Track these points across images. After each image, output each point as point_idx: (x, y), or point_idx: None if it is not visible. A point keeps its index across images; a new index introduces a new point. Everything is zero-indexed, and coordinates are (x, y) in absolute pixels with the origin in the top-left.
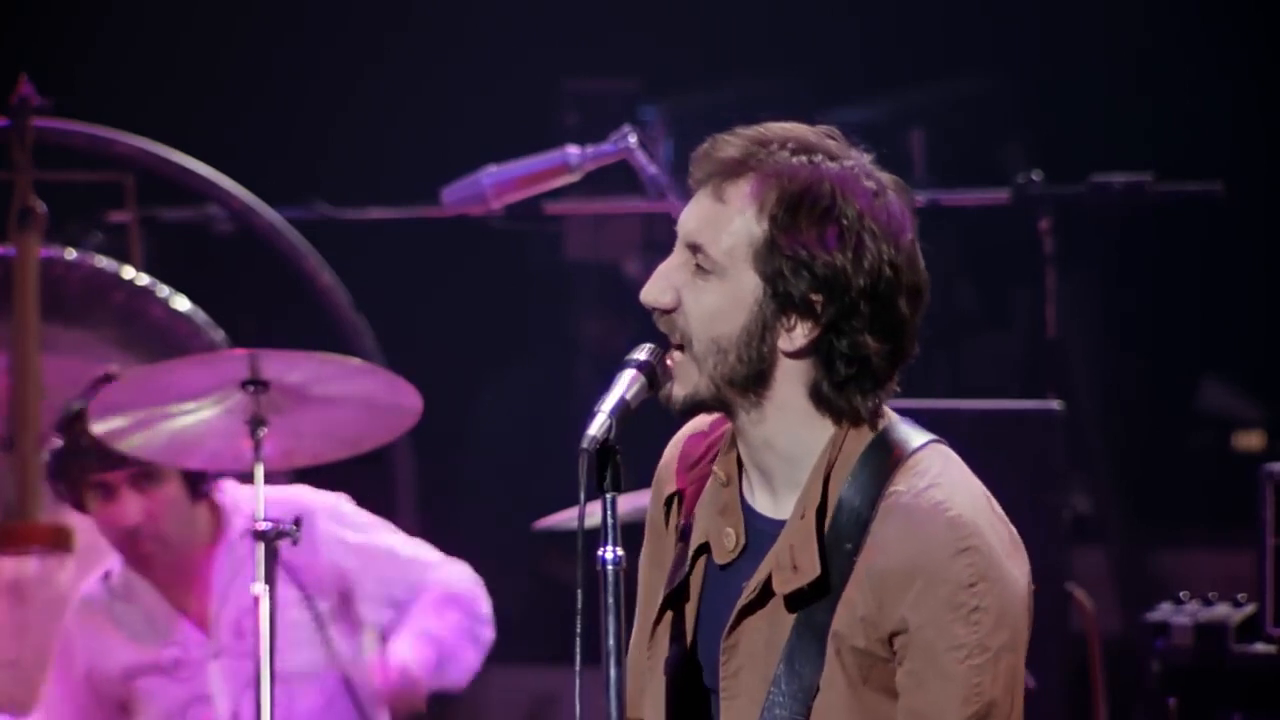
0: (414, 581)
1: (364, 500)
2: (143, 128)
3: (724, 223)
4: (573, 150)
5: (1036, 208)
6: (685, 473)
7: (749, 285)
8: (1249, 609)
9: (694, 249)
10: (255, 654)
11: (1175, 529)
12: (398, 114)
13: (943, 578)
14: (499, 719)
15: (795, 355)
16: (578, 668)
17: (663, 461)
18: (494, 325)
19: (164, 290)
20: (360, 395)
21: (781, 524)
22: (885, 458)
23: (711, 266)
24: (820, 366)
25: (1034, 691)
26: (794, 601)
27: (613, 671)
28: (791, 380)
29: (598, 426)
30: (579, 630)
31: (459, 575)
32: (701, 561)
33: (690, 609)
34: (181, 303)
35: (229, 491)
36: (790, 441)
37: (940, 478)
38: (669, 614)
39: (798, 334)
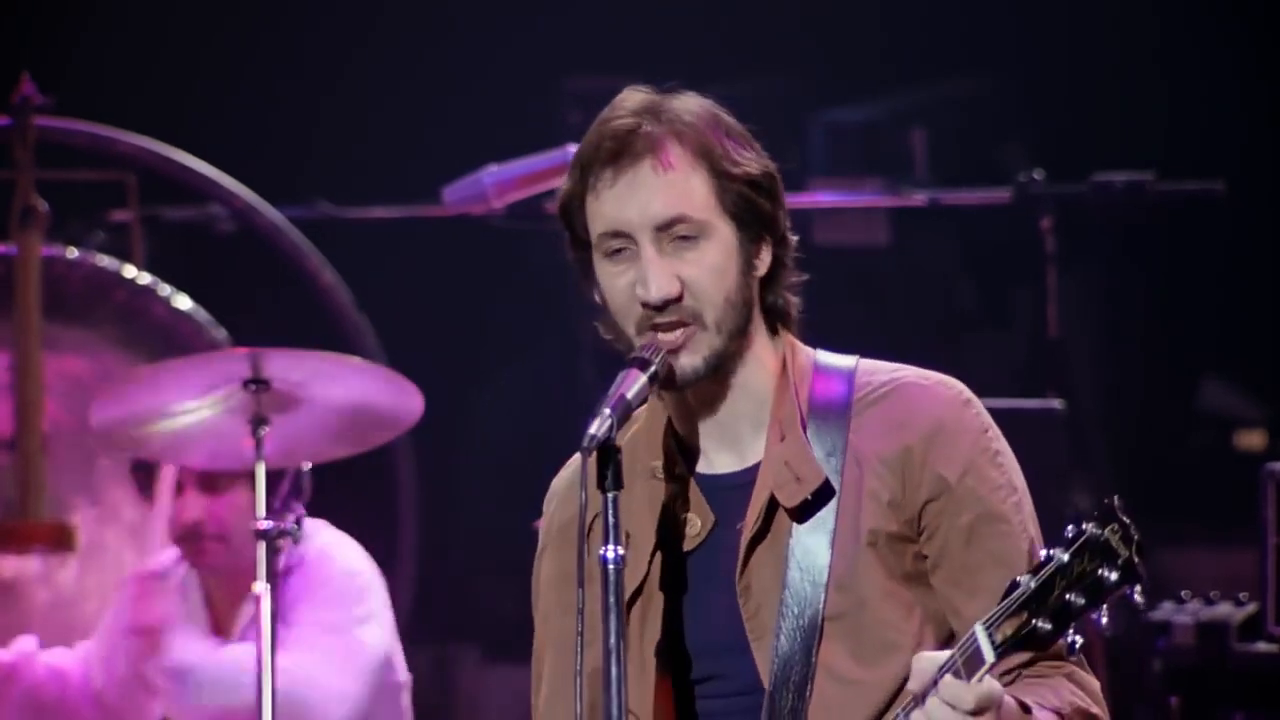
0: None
1: (364, 500)
2: (145, 127)
3: (683, 186)
4: (574, 149)
5: (1038, 207)
6: (596, 496)
7: (726, 231)
8: (1250, 608)
9: (671, 224)
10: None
11: (1177, 528)
12: (399, 113)
13: (962, 430)
14: (498, 718)
15: (762, 280)
16: (578, 666)
17: (561, 511)
18: (495, 324)
19: (166, 289)
20: (361, 394)
21: (750, 470)
22: (835, 362)
23: (697, 230)
24: (769, 280)
25: None
26: (802, 512)
27: (614, 670)
28: (756, 307)
29: (599, 425)
30: (580, 629)
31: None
32: (657, 562)
33: (654, 608)
34: (183, 302)
35: (311, 529)
36: (760, 376)
37: (895, 367)
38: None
39: (764, 256)
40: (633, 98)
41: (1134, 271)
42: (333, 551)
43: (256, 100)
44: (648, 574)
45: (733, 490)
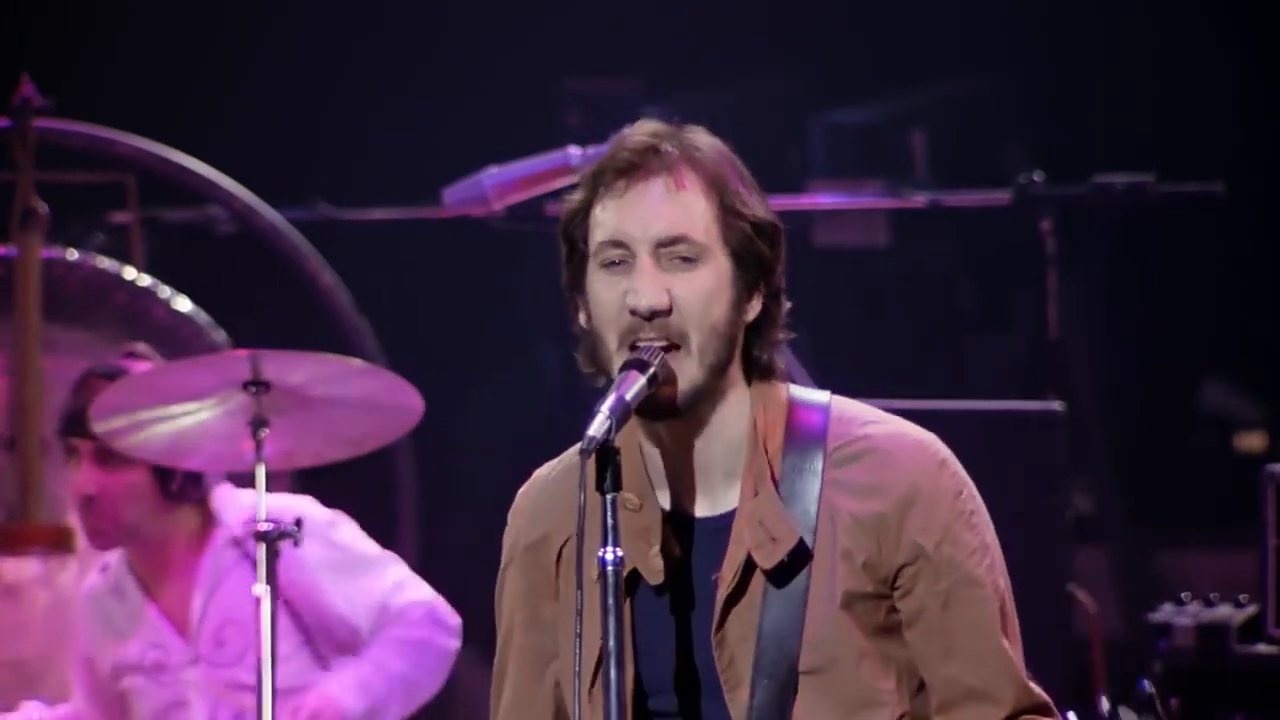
0: (377, 614)
1: (365, 500)
2: (144, 128)
3: (692, 208)
4: (574, 150)
5: (1038, 208)
6: (568, 520)
7: (724, 264)
8: (1250, 610)
9: (673, 242)
10: (236, 664)
11: (1177, 530)
12: (399, 115)
13: (938, 496)
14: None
15: (749, 327)
16: (577, 668)
17: (531, 531)
18: (495, 326)
19: (165, 291)
20: (361, 396)
21: (723, 518)
22: (807, 409)
23: (697, 253)
24: (755, 330)
25: None
26: (778, 574)
27: (613, 673)
28: (736, 352)
29: (598, 427)
30: (579, 631)
31: (420, 617)
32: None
33: (625, 640)
34: (183, 303)
35: (222, 497)
36: (734, 422)
37: (869, 414)
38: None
39: (755, 303)
40: (652, 124)
41: (1134, 273)
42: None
43: (256, 101)
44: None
45: (705, 536)
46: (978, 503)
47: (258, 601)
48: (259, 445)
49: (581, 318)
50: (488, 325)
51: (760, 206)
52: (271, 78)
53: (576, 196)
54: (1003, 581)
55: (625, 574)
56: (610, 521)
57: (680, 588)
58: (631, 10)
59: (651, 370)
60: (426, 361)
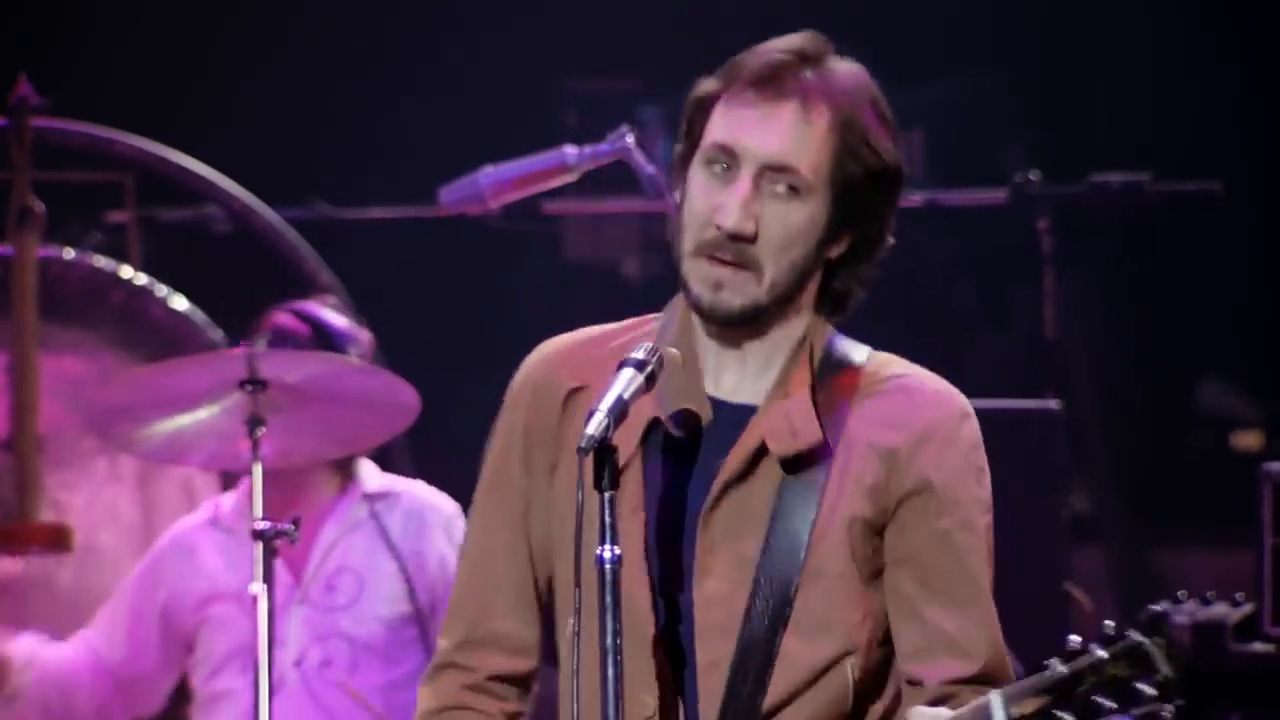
0: None
1: None
2: (141, 127)
3: (809, 143)
4: (571, 150)
5: (1035, 208)
6: (586, 373)
7: (824, 202)
8: (1247, 608)
9: (780, 170)
10: (340, 610)
11: (1174, 529)
12: (396, 114)
13: (956, 439)
14: None
15: (832, 260)
16: (575, 667)
17: (541, 370)
18: (492, 325)
19: (163, 290)
20: (358, 394)
21: (743, 407)
22: (850, 348)
23: (800, 187)
24: (841, 265)
25: None
26: (789, 465)
27: (610, 670)
28: (815, 281)
29: (595, 426)
30: (577, 629)
31: None
32: (640, 445)
33: (635, 484)
34: (180, 302)
35: (367, 466)
36: (784, 330)
37: (907, 365)
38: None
39: (844, 240)
40: (805, 40)
41: (1131, 272)
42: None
43: (254, 101)
44: (633, 452)
45: (723, 417)
46: (987, 465)
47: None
48: (255, 444)
49: (677, 195)
50: (485, 324)
51: (886, 153)
52: (270, 77)
53: (708, 84)
54: (991, 546)
55: (648, 421)
56: (609, 520)
57: (693, 449)
58: (630, 10)
59: (650, 369)
60: (423, 360)
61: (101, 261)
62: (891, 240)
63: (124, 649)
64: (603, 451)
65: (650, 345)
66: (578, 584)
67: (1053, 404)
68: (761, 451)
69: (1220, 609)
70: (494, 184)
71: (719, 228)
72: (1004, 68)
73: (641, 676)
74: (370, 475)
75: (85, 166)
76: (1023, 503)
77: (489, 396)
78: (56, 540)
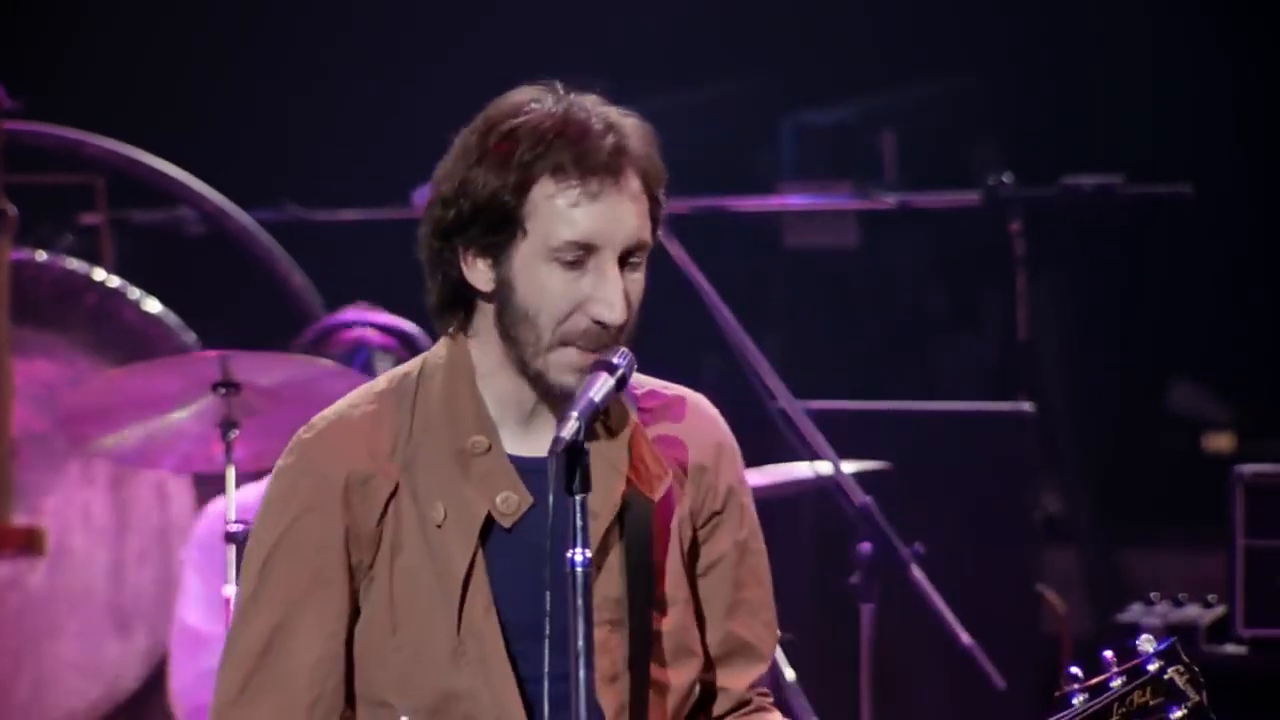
0: None
1: None
2: (114, 130)
3: (644, 213)
4: None
5: (1007, 209)
6: (390, 467)
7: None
8: (1219, 610)
9: (635, 249)
10: None
11: (1146, 530)
12: (369, 116)
13: (734, 450)
14: None
15: None
16: (545, 669)
17: (341, 469)
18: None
19: (135, 292)
20: (332, 397)
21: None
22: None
23: (644, 256)
24: None
25: (1003, 692)
26: (645, 510)
27: (581, 673)
28: None
29: (568, 429)
30: (548, 633)
31: None
32: (475, 536)
33: (482, 584)
34: (153, 305)
35: None
36: None
37: (657, 380)
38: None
39: None
40: (585, 104)
41: (1103, 274)
42: None
43: (225, 103)
44: (475, 551)
45: (537, 476)
46: None
47: (227, 603)
48: (229, 447)
49: (477, 277)
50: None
51: (664, 183)
52: (241, 80)
53: (513, 169)
54: None
55: (483, 518)
56: (580, 523)
57: (530, 526)
58: (601, 12)
59: (621, 372)
60: (396, 362)
61: (74, 264)
62: None
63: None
64: (574, 454)
65: (623, 349)
66: (549, 588)
67: (1025, 405)
68: (625, 496)
69: (1193, 610)
70: None
71: (599, 322)
72: (976, 70)
73: None
74: None
75: (57, 169)
76: (995, 504)
77: None
78: (30, 543)
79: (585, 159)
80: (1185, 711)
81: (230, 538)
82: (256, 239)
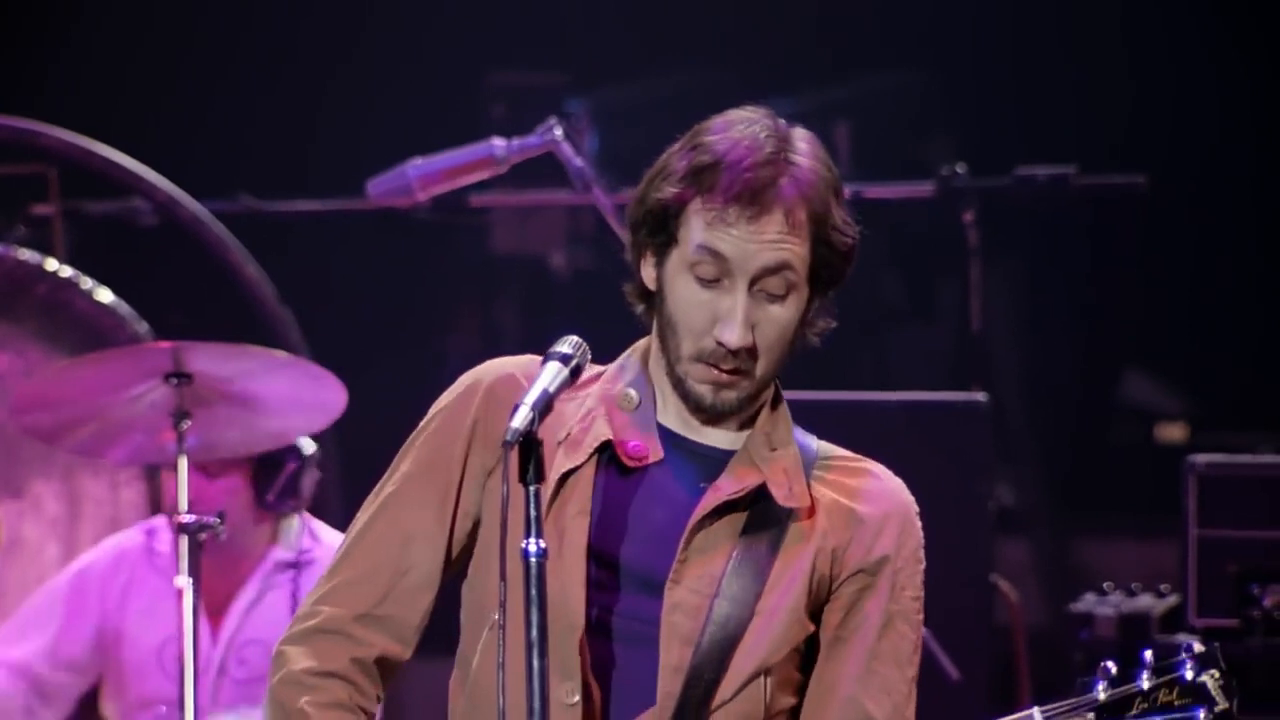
0: None
1: None
2: (66, 120)
3: (795, 249)
4: (498, 143)
5: (961, 200)
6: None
7: (805, 295)
8: (1172, 600)
9: (772, 275)
10: (246, 684)
11: (1099, 520)
12: (323, 106)
13: (912, 530)
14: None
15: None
16: (501, 659)
17: (499, 375)
18: (419, 317)
19: (88, 283)
20: (285, 388)
21: (715, 449)
22: (801, 433)
23: (787, 289)
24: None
25: (957, 683)
26: (762, 518)
27: (535, 663)
28: None
29: (520, 419)
30: (502, 622)
31: None
32: (595, 460)
33: (584, 492)
34: (105, 295)
35: (300, 523)
36: (762, 395)
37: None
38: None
39: (818, 316)
40: (769, 133)
41: (1056, 264)
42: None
43: (179, 93)
44: (584, 462)
45: (697, 455)
46: (923, 576)
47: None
48: (181, 437)
49: (648, 275)
50: (412, 317)
51: (849, 228)
52: (194, 70)
53: (677, 182)
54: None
55: (602, 441)
56: (534, 514)
57: (648, 479)
58: (556, 4)
59: (574, 363)
60: (350, 354)
61: (26, 254)
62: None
63: (47, 658)
64: (528, 445)
65: (575, 339)
66: (502, 577)
67: (979, 396)
68: (759, 492)
69: (1145, 600)
70: (422, 176)
71: (721, 344)
72: (930, 62)
73: (566, 667)
74: (297, 533)
75: (9, 159)
76: (948, 494)
77: (415, 388)
78: None
79: (732, 185)
80: (1211, 715)
81: (182, 528)
82: (209, 229)
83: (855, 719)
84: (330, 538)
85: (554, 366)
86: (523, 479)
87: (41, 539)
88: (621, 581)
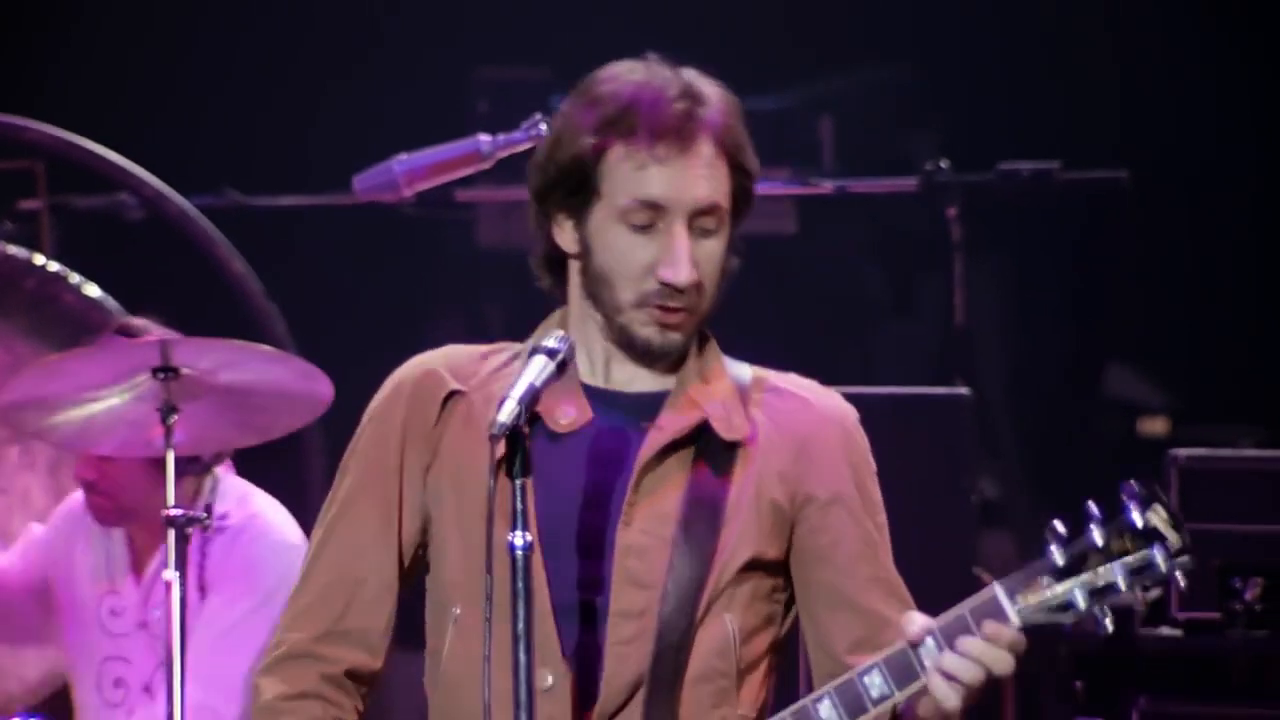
0: None
1: (275, 487)
2: (53, 115)
3: (721, 177)
4: (484, 138)
5: (944, 195)
6: (465, 379)
7: (728, 225)
8: (1155, 594)
9: (706, 212)
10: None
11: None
12: (309, 102)
13: (856, 443)
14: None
15: None
16: (488, 652)
17: (420, 372)
18: (405, 312)
19: (75, 277)
20: (272, 382)
21: (644, 394)
22: (733, 363)
23: (719, 223)
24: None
25: None
26: (707, 453)
27: (521, 656)
28: None
29: (507, 413)
30: (488, 615)
31: None
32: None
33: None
34: (93, 290)
35: (224, 483)
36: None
37: (802, 380)
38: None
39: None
40: (669, 74)
41: (1040, 259)
42: (267, 521)
43: (166, 88)
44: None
45: (631, 403)
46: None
47: (167, 588)
48: (168, 431)
49: (564, 239)
50: (398, 311)
51: (753, 158)
52: (181, 64)
53: (590, 133)
54: (889, 550)
55: (527, 419)
56: (519, 506)
57: (579, 440)
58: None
59: (561, 357)
60: (337, 348)
61: (13, 249)
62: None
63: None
64: (515, 438)
65: (561, 333)
66: (489, 570)
67: (962, 390)
68: (699, 429)
69: (1128, 594)
70: (408, 172)
71: (667, 284)
72: (914, 57)
73: (541, 654)
74: (224, 495)
75: None
76: (932, 488)
77: None
78: None
79: (655, 124)
80: (1166, 553)
81: (169, 521)
82: (196, 224)
83: (875, 628)
84: (264, 505)
85: (540, 360)
86: (509, 472)
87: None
88: (579, 552)
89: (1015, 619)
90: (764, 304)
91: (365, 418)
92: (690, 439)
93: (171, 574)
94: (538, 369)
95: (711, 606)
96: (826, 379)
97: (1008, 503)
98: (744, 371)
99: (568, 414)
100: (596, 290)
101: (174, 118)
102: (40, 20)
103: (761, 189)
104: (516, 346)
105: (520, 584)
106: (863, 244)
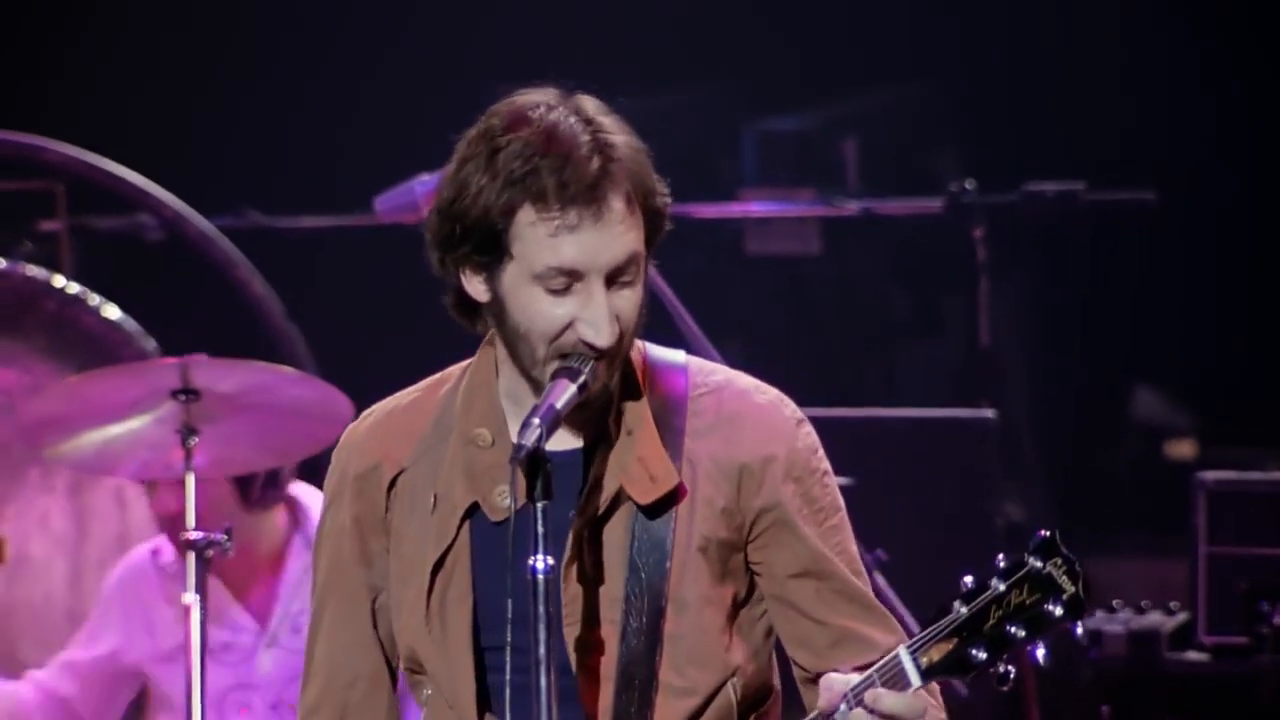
0: None
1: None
2: (73, 136)
3: (635, 231)
4: None
5: (969, 216)
6: (404, 450)
7: (644, 264)
8: (1182, 617)
9: (624, 268)
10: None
11: (1108, 537)
12: (330, 123)
13: (798, 453)
14: None
15: None
16: (507, 676)
17: (358, 461)
18: (426, 333)
19: (95, 299)
20: (292, 404)
21: (576, 452)
22: (667, 355)
23: (636, 273)
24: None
25: (965, 700)
26: (652, 511)
27: (542, 680)
28: None
29: (530, 436)
30: (509, 640)
31: None
32: (466, 525)
33: (463, 571)
34: (113, 311)
35: (309, 496)
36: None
37: (725, 370)
38: (434, 587)
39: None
40: (574, 122)
41: (1065, 281)
42: None
43: (185, 109)
44: (455, 539)
45: (557, 469)
46: (828, 464)
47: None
48: (188, 454)
49: (475, 289)
50: (418, 332)
51: (662, 185)
52: (202, 85)
53: (498, 192)
54: (851, 546)
55: (465, 508)
56: (539, 530)
57: (525, 521)
58: (563, 19)
59: (583, 379)
60: (358, 369)
61: (33, 270)
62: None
63: (77, 689)
64: (535, 461)
65: (580, 354)
66: (510, 594)
67: (987, 412)
68: (618, 499)
69: (1155, 618)
70: (429, 193)
71: (592, 345)
72: (938, 77)
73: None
74: (313, 505)
75: (16, 175)
76: (957, 511)
77: None
78: None
79: (566, 189)
80: (1062, 606)
81: (189, 545)
82: (216, 245)
83: (841, 638)
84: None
85: (563, 384)
86: (530, 495)
87: (49, 556)
88: (508, 655)
89: (916, 680)
90: (788, 325)
91: (324, 498)
92: (617, 502)
93: (191, 597)
94: (560, 392)
95: (668, 670)
96: (850, 399)
97: (1033, 526)
98: (678, 387)
99: (504, 495)
100: (512, 344)
101: (194, 139)
102: (60, 41)
103: (786, 210)
104: (449, 378)
105: (541, 608)
106: (887, 265)
